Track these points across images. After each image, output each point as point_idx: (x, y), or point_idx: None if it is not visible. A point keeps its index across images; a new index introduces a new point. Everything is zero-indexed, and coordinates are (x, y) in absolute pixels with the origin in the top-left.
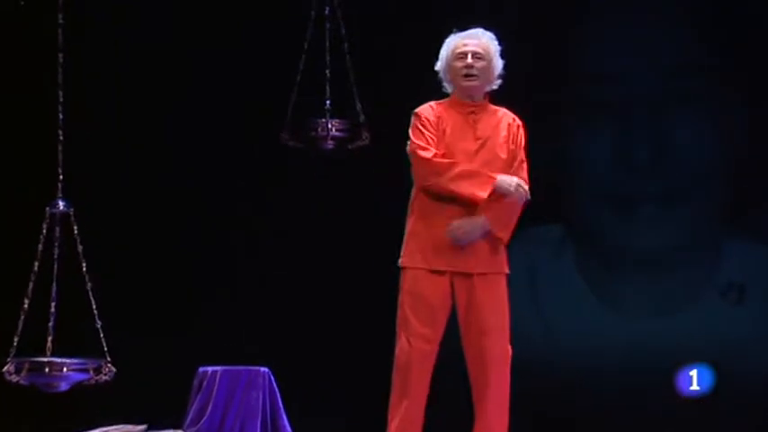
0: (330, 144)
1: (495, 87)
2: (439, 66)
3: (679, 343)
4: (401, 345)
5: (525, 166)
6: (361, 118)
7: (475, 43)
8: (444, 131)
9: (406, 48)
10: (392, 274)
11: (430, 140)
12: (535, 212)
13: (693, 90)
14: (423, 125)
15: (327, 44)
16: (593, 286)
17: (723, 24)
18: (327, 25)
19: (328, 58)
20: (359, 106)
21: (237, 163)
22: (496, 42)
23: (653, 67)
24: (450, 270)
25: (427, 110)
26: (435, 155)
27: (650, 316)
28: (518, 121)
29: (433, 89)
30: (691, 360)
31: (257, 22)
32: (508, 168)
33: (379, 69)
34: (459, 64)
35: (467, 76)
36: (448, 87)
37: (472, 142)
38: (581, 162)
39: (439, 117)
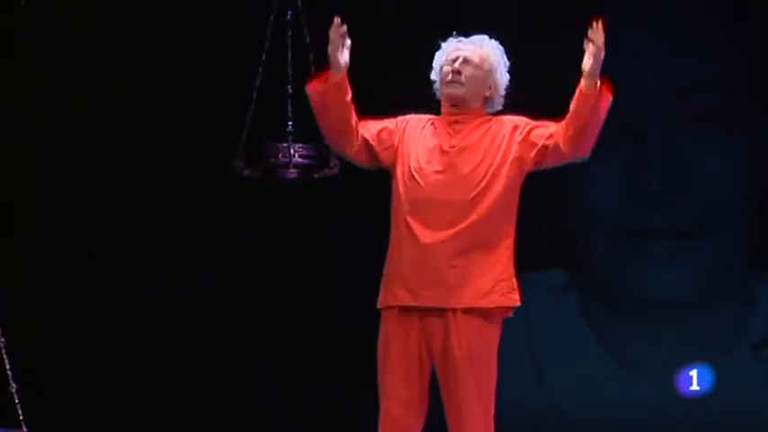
0: (293, 173)
1: (497, 108)
2: (433, 74)
3: (701, 405)
4: (381, 414)
5: (539, 122)
6: None
7: (471, 49)
8: (420, 144)
9: (384, 59)
10: (371, 322)
11: (382, 122)
12: (531, 254)
13: (714, 110)
14: (396, 119)
15: (289, 54)
16: (600, 336)
17: (748, 36)
18: (289, 32)
19: (290, 71)
20: None
21: (183, 197)
22: (502, 55)
23: (668, 83)
24: (420, 306)
25: (413, 117)
26: (362, 121)
27: (667, 372)
28: (511, 120)
29: (419, 108)
30: (715, 428)
31: (207, 30)
32: (496, 180)
33: (351, 84)
34: (448, 68)
35: (450, 82)
36: (438, 96)
37: (443, 152)
38: (585, 192)
39: (419, 129)
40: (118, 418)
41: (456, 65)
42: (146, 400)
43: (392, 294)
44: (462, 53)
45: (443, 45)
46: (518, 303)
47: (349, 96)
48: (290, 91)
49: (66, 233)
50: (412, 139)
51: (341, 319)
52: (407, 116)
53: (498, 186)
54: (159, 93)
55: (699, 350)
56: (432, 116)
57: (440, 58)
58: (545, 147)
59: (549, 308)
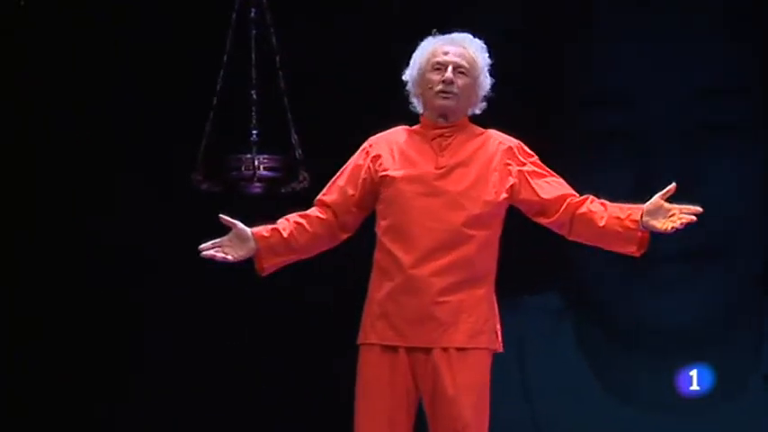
0: (257, 187)
1: (477, 112)
2: (408, 74)
3: None
4: None
5: (557, 177)
6: (298, 153)
7: (459, 53)
8: (400, 165)
9: (358, 61)
10: (346, 357)
11: (345, 180)
12: (524, 276)
13: (730, 119)
14: (354, 160)
15: (253, 56)
16: (599, 369)
17: (765, 39)
18: (253, 32)
19: (254, 74)
20: (295, 138)
21: (139, 214)
22: (486, 55)
23: (678, 90)
24: (406, 345)
25: (381, 139)
26: (322, 200)
27: (671, 409)
28: (511, 141)
29: (395, 116)
30: None
31: (161, 30)
32: (490, 206)
33: (321, 90)
34: (436, 77)
35: (443, 93)
36: (416, 104)
37: (432, 170)
38: None
39: (394, 147)
40: (118, 418)
41: (448, 74)
42: (145, 399)
43: (374, 331)
44: (451, 59)
45: (422, 45)
46: (501, 350)
47: (294, 239)
48: (255, 96)
49: (64, 233)
50: (387, 162)
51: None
52: (370, 140)
53: (492, 211)
54: (113, 97)
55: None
56: (403, 128)
57: (420, 62)
58: (541, 204)
59: (542, 334)
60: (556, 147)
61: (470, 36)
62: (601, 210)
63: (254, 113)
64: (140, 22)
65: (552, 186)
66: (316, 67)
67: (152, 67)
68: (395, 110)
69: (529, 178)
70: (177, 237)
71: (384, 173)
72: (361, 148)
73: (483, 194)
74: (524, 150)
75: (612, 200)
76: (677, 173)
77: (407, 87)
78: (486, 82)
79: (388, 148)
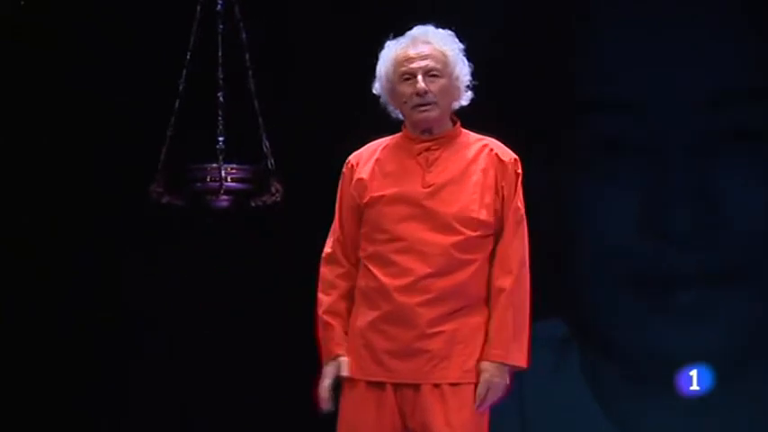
0: (224, 200)
1: (464, 103)
2: (378, 88)
3: None
4: None
5: (524, 228)
6: (270, 162)
7: (425, 53)
8: (384, 184)
9: (338, 60)
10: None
11: (343, 220)
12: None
13: (752, 126)
14: (341, 192)
15: (220, 54)
16: (607, 406)
17: None
18: (221, 26)
19: (221, 75)
20: (267, 145)
21: (92, 229)
22: (455, 41)
23: (692, 96)
24: (393, 381)
25: (361, 157)
26: (332, 253)
27: None
28: (507, 155)
29: (379, 121)
30: None
31: (120, 26)
32: (484, 228)
33: (297, 92)
34: (408, 89)
35: (420, 106)
36: (396, 113)
37: (419, 189)
38: (592, 229)
39: (376, 166)
40: (104, 422)
41: (420, 84)
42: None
43: (358, 366)
44: (418, 65)
45: (383, 55)
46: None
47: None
48: (222, 99)
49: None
50: (371, 182)
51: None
52: (350, 160)
53: (487, 232)
54: (66, 99)
55: (727, 423)
56: (383, 141)
57: (386, 74)
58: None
59: (545, 364)
60: (554, 157)
61: (432, 28)
62: (491, 313)
63: (220, 118)
64: (92, 16)
65: (505, 239)
66: (291, 66)
67: (105, 66)
68: (379, 113)
69: (504, 209)
70: (133, 255)
71: (369, 196)
72: (342, 173)
73: (477, 215)
74: (519, 175)
75: (620, 222)
76: (692, 186)
77: (382, 101)
78: (464, 72)
79: (370, 166)
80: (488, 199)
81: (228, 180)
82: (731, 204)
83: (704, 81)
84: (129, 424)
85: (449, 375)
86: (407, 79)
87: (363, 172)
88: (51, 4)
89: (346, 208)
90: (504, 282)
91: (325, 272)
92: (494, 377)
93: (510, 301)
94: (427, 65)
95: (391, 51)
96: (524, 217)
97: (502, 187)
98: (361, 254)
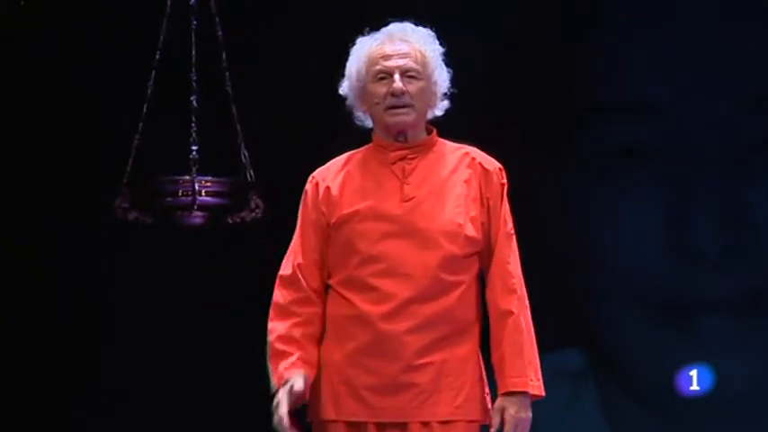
0: (197, 217)
1: (438, 114)
2: (346, 87)
3: None
4: None
5: (515, 242)
6: (249, 174)
7: (403, 52)
8: (356, 199)
9: (327, 60)
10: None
11: (305, 241)
12: (537, 330)
13: None
14: (304, 212)
15: (194, 53)
16: None
17: None
18: (194, 23)
19: (194, 77)
20: (245, 155)
21: (92, 229)
22: (435, 42)
23: (719, 97)
24: (376, 421)
25: (327, 172)
26: (290, 276)
27: None
28: (491, 164)
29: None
30: None
31: (82, 21)
32: (472, 245)
33: (280, 96)
34: (382, 89)
35: (394, 108)
36: (363, 120)
37: (395, 205)
38: (609, 249)
39: (347, 180)
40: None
41: (397, 84)
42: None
43: (336, 405)
44: (396, 64)
45: (355, 50)
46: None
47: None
48: (195, 104)
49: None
50: (341, 200)
51: None
52: (313, 177)
53: (474, 249)
54: (66, 99)
55: None
56: (351, 153)
57: (358, 72)
58: (483, 254)
59: (559, 399)
60: (567, 166)
61: (412, 26)
62: (500, 338)
63: (194, 125)
64: (55, 11)
65: (498, 255)
66: (273, 67)
67: (67, 66)
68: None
69: (493, 229)
70: (97, 276)
71: (339, 213)
72: (304, 191)
73: (462, 229)
74: (505, 186)
75: (639, 240)
76: (718, 199)
77: (348, 103)
78: (442, 77)
79: (339, 181)
80: (474, 212)
81: (203, 194)
82: (762, 220)
83: (733, 85)
84: (128, 424)
85: (439, 412)
86: (382, 78)
87: (332, 187)
88: (51, 4)
89: (310, 228)
90: (509, 303)
91: (281, 296)
92: (520, 412)
93: (520, 325)
94: (405, 64)
95: (365, 47)
96: (513, 231)
97: (487, 198)
98: (331, 281)
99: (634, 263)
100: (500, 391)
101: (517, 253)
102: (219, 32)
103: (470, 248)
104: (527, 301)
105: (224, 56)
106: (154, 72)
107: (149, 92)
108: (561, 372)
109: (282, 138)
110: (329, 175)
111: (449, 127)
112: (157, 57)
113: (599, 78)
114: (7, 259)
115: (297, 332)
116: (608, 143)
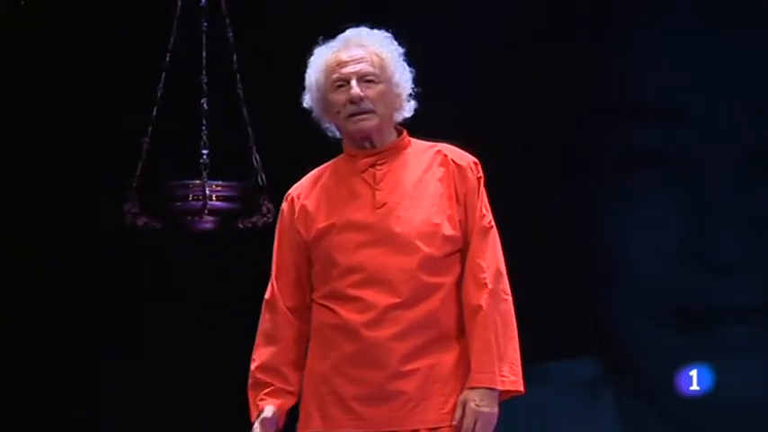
0: (208, 222)
1: (406, 115)
2: (309, 100)
3: None
4: None
5: (495, 236)
6: (261, 178)
7: (359, 57)
8: (331, 212)
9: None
10: None
11: (281, 262)
12: (553, 339)
13: None
14: (280, 231)
15: (204, 55)
16: None
17: None
18: (204, 24)
19: (205, 79)
20: (257, 159)
21: (91, 229)
22: (393, 43)
23: (740, 101)
24: (365, 431)
25: (303, 188)
26: (269, 299)
27: None
28: (464, 159)
29: None
30: None
31: (93, 26)
32: (451, 244)
33: (291, 99)
34: (341, 97)
35: (355, 115)
36: (332, 130)
37: (369, 213)
38: (626, 257)
39: (322, 194)
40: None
41: (354, 90)
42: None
43: (324, 418)
44: (351, 70)
45: (312, 62)
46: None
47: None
48: (206, 107)
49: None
50: (316, 215)
51: None
52: (289, 195)
53: (454, 249)
54: (66, 99)
55: None
56: (322, 168)
57: (317, 83)
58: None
59: (575, 410)
60: (580, 170)
61: (367, 29)
62: (470, 334)
63: (204, 128)
64: (55, 11)
65: (473, 251)
66: (284, 69)
67: (66, 66)
68: None
69: (469, 225)
70: (106, 285)
71: (316, 228)
72: (281, 210)
73: (439, 229)
74: (478, 176)
75: (659, 247)
76: (737, 207)
77: (314, 115)
78: (404, 77)
79: (315, 196)
80: (450, 210)
81: (213, 198)
82: None
83: (756, 88)
84: (129, 424)
85: (428, 419)
86: (340, 86)
87: (308, 203)
88: (51, 4)
89: (288, 247)
90: (478, 298)
91: (263, 320)
92: (481, 406)
93: (489, 319)
94: (362, 69)
95: (321, 57)
96: (493, 225)
97: (464, 195)
98: (315, 295)
99: (652, 270)
100: (466, 386)
101: (498, 247)
102: (230, 34)
103: (450, 247)
104: (505, 295)
105: (235, 58)
106: (164, 74)
107: (159, 94)
108: (576, 380)
109: (294, 141)
110: (303, 192)
111: (449, 127)
112: (167, 58)
113: (599, 78)
114: (7, 259)
115: (277, 360)
116: (627, 148)
